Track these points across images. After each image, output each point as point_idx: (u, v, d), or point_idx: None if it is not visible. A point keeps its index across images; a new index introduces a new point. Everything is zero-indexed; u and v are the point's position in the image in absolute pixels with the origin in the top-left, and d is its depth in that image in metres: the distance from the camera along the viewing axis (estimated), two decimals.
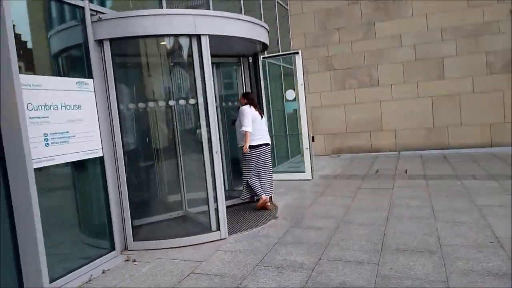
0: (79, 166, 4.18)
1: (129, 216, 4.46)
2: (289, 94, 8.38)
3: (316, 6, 11.19)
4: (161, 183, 5.26)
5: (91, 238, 4.35)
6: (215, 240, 4.52)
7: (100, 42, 4.30)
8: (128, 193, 4.44)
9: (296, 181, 7.73)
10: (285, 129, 9.70)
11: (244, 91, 6.16)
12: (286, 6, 11.31)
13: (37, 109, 3.59)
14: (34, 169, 3.51)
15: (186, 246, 4.41)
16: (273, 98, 9.23)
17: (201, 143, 4.48)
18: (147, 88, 5.13)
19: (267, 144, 5.56)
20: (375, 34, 10.70)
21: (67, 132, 3.89)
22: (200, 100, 4.46)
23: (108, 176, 4.34)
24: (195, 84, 4.43)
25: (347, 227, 4.68)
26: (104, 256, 4.21)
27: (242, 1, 8.15)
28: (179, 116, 4.95)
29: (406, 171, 7.94)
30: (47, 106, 3.70)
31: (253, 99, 5.58)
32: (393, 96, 10.68)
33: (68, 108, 3.93)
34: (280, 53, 8.61)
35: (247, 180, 5.57)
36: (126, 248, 4.49)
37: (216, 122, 4.52)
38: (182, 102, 4.72)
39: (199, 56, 4.38)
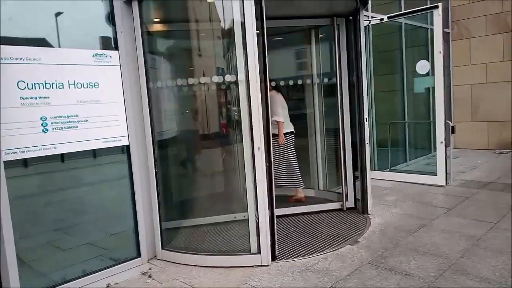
0: (100, 155, 3.55)
1: (158, 218, 3.66)
2: (421, 66, 6.29)
3: None
4: (202, 181, 4.29)
5: (116, 241, 3.72)
6: (253, 266, 3.36)
7: (129, 3, 3.50)
8: (159, 191, 3.64)
9: (423, 186, 5.80)
10: (413, 115, 7.54)
11: None
12: None
13: (32, 88, 3.00)
14: (29, 158, 3.00)
15: (216, 267, 3.38)
16: (391, 72, 7.23)
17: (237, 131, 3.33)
18: (193, 62, 4.13)
19: (292, 132, 5.03)
20: None
21: (76, 115, 3.24)
22: (241, 76, 3.27)
23: (134, 169, 3.59)
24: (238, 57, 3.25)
25: (456, 280, 2.91)
26: (125, 263, 3.53)
27: None
28: (227, 95, 3.84)
29: None
30: (47, 84, 3.08)
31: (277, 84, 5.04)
32: None
33: (79, 86, 3.25)
34: (409, 10, 6.48)
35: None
36: (155, 256, 3.74)
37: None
38: (229, 78, 3.58)
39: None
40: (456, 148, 8.90)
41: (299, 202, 5.01)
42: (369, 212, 4.51)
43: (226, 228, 3.90)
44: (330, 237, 3.91)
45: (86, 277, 3.29)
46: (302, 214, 4.72)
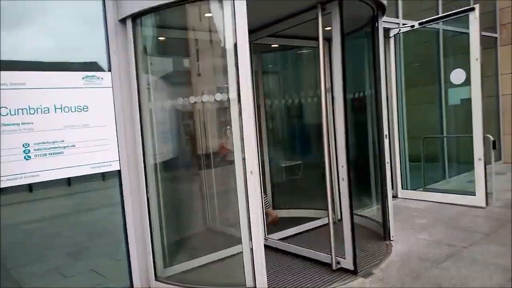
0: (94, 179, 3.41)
1: (150, 247, 3.44)
2: (456, 76, 5.71)
3: None
4: (198, 207, 4.01)
5: (110, 270, 3.55)
6: None
7: (123, 22, 3.37)
8: (151, 218, 3.43)
9: (460, 207, 5.19)
10: (454, 128, 6.86)
11: None
12: None
13: (15, 114, 2.92)
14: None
15: None
16: (424, 83, 6.63)
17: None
18: (189, 81, 3.92)
19: None
20: None
21: (62, 140, 3.12)
22: (233, 95, 3.00)
23: (125, 195, 3.40)
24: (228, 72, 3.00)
25: None
26: None
27: None
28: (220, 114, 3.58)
29: None
30: (31, 109, 2.99)
31: None
32: None
33: (67, 110, 3.14)
34: (445, 13, 5.91)
35: None
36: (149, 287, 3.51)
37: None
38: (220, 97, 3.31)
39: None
40: (506, 163, 8.06)
41: (276, 223, 4.59)
42: (391, 238, 4.03)
43: (222, 259, 3.59)
44: (306, 280, 3.47)
45: None
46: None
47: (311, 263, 3.72)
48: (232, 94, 2.99)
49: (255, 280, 3.00)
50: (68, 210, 3.79)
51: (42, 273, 3.46)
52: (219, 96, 3.14)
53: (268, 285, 3.07)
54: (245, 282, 3.07)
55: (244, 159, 2.95)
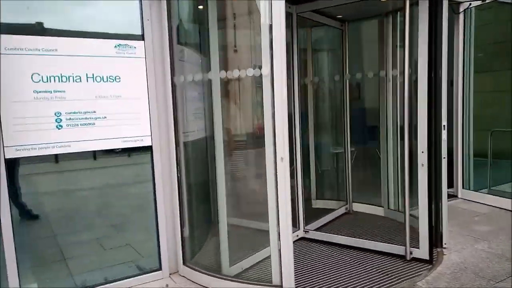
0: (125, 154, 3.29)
1: (179, 230, 3.28)
2: None
3: None
4: (231, 190, 3.74)
5: (140, 251, 3.45)
6: None
7: None
8: (181, 199, 3.26)
9: None
10: None
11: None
12: None
13: (47, 81, 2.82)
14: (42, 156, 2.83)
15: None
16: (498, 68, 5.81)
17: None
18: (224, 54, 3.59)
19: None
20: None
21: (94, 111, 3.00)
22: (265, 71, 2.68)
23: (156, 174, 3.25)
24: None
25: None
26: (146, 275, 3.24)
27: None
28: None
29: None
30: (63, 77, 2.89)
31: None
32: None
33: (99, 80, 3.01)
34: None
35: None
36: (178, 272, 3.36)
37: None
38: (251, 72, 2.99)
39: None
40: None
41: None
42: (443, 246, 3.56)
43: (254, 250, 3.34)
44: (381, 273, 3.12)
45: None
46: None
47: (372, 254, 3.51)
48: (265, 70, 2.67)
49: (281, 277, 2.73)
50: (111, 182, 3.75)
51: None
52: (250, 72, 2.84)
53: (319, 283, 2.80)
54: (272, 279, 2.82)
55: (274, 143, 2.65)
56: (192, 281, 3.17)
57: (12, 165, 2.75)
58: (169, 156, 3.26)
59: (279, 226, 2.70)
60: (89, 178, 3.43)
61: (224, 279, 3.01)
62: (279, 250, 2.71)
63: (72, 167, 3.18)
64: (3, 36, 2.63)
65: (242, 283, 2.94)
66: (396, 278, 3.02)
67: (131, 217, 3.54)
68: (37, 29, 2.84)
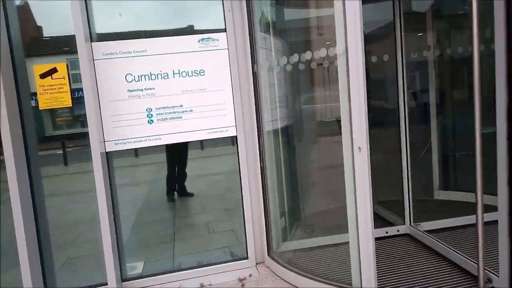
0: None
1: (264, 221, 3.24)
2: None
3: None
4: (319, 183, 3.43)
5: (240, 238, 3.54)
6: None
7: None
8: (265, 189, 3.21)
9: None
10: None
11: None
12: None
13: (138, 80, 3.10)
14: (138, 148, 3.13)
15: None
16: None
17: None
18: (307, 39, 3.27)
19: None
20: None
21: (181, 105, 3.17)
22: (340, 48, 2.37)
23: (242, 163, 3.27)
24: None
25: None
26: (235, 262, 3.33)
27: None
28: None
29: None
30: (153, 75, 3.12)
31: None
32: None
33: (184, 75, 3.17)
34: None
35: None
36: (264, 262, 3.34)
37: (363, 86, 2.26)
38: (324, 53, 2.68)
39: None
40: None
41: None
42: None
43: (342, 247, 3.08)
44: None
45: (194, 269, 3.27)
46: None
47: (458, 270, 2.84)
48: (340, 48, 2.38)
49: (361, 280, 2.45)
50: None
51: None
52: (323, 52, 2.58)
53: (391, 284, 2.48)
54: (352, 282, 2.55)
55: (351, 131, 2.35)
56: (275, 274, 3.10)
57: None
58: (253, 146, 3.24)
59: (357, 222, 2.42)
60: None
61: (304, 276, 2.86)
62: (358, 250, 2.43)
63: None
64: (99, 43, 2.97)
65: (322, 283, 2.75)
66: None
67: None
68: (129, 34, 3.13)
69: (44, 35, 4.44)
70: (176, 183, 4.10)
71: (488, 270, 2.54)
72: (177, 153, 3.91)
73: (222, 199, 3.81)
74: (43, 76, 2.93)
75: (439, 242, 3.17)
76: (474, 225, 2.37)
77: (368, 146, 2.30)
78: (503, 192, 2.29)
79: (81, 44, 2.81)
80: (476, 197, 2.40)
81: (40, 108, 2.94)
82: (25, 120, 2.87)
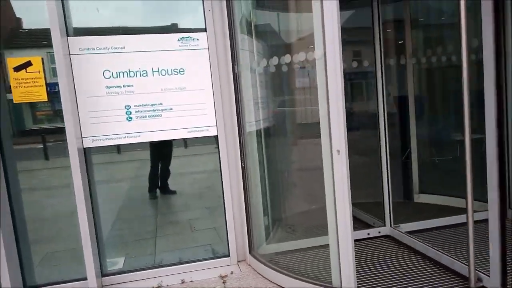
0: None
1: (244, 217, 3.23)
2: None
3: None
4: (297, 183, 3.43)
5: (221, 235, 3.52)
6: None
7: None
8: (246, 188, 3.19)
9: None
10: None
11: None
12: None
13: (117, 76, 3.04)
14: (120, 145, 3.10)
15: None
16: None
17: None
18: (287, 41, 3.24)
19: None
20: None
21: (160, 104, 3.12)
22: (318, 53, 2.34)
23: (223, 162, 3.24)
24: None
25: None
26: (216, 260, 3.32)
27: None
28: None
29: None
30: (131, 72, 3.06)
31: None
32: None
33: (164, 73, 3.11)
34: None
35: None
36: (245, 260, 3.34)
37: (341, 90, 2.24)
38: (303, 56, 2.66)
39: None
40: None
41: None
42: None
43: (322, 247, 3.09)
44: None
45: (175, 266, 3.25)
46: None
47: (443, 270, 2.87)
48: (318, 52, 2.35)
49: (341, 279, 2.46)
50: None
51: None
52: (301, 56, 2.56)
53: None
54: (332, 280, 2.56)
55: (330, 134, 2.34)
56: (257, 272, 3.11)
57: None
58: (234, 145, 3.22)
59: (337, 224, 2.41)
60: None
61: (285, 274, 2.86)
62: (338, 250, 2.43)
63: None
64: (75, 38, 2.90)
65: (301, 281, 2.75)
66: None
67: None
68: (107, 29, 3.05)
69: (24, 27, 4.33)
70: (159, 181, 4.06)
71: (478, 270, 2.57)
72: (161, 151, 3.86)
73: (205, 197, 3.78)
74: (17, 69, 2.86)
75: (419, 241, 3.20)
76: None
77: (347, 149, 2.30)
78: (494, 189, 2.30)
79: (56, 38, 2.74)
80: (466, 199, 2.44)
81: (14, 102, 2.88)
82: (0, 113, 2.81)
